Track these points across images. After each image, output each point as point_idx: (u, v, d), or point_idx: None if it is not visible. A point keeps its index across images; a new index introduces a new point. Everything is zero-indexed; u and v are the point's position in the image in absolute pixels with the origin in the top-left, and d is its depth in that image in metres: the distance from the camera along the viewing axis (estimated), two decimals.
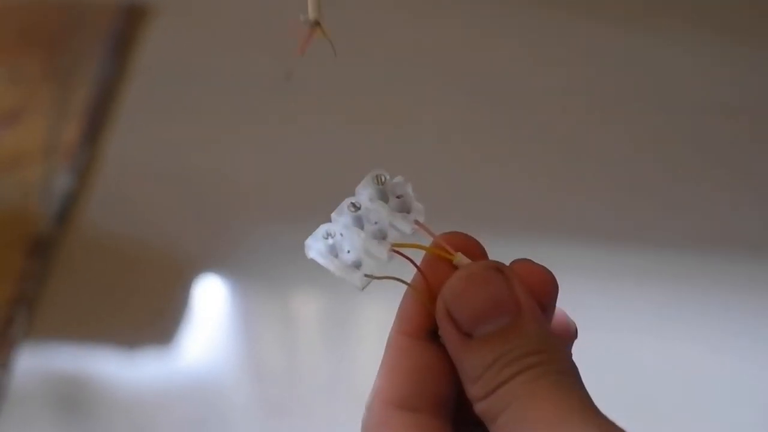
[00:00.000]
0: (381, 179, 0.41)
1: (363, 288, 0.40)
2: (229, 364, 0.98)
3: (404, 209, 0.41)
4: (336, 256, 0.40)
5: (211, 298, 1.03)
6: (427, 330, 0.40)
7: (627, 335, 0.97)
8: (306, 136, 1.16)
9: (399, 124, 1.16)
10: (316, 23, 0.41)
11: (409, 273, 0.40)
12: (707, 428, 0.91)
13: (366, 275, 0.40)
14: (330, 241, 0.40)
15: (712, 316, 1.01)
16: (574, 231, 1.07)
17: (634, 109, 1.18)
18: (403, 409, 0.38)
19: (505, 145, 1.15)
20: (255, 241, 1.06)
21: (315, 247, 0.41)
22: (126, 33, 1.24)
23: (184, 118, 1.17)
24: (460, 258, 0.40)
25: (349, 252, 0.40)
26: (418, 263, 0.40)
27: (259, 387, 0.98)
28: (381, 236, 0.40)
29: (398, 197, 0.41)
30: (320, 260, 0.41)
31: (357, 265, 0.40)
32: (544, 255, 1.13)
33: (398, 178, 0.41)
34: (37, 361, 0.97)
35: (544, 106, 1.18)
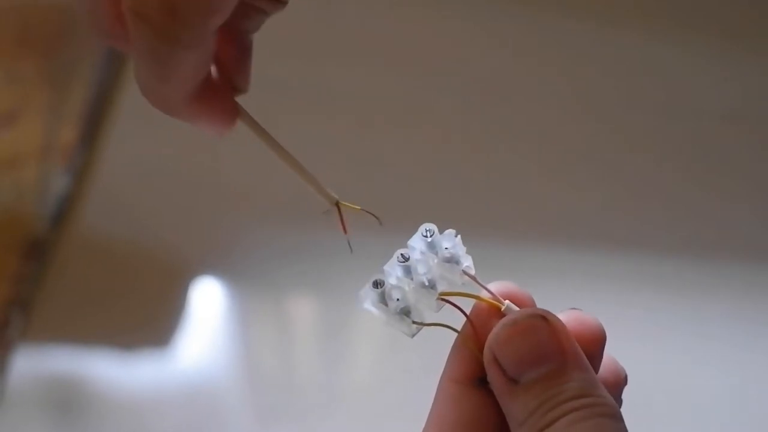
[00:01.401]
0: (429, 232, 0.43)
1: (413, 335, 0.42)
2: (225, 367, 0.98)
3: (453, 260, 0.43)
4: (386, 305, 0.43)
5: (207, 300, 1.03)
6: (476, 377, 0.41)
7: (623, 339, 0.97)
8: (304, 138, 1.15)
9: (398, 126, 1.16)
10: (337, 204, 0.44)
11: (458, 321, 0.42)
12: None
13: (415, 322, 0.42)
14: (380, 290, 0.43)
15: (710, 321, 1.00)
16: (571, 234, 1.07)
17: (633, 113, 1.18)
18: None
19: (503, 148, 1.15)
20: (252, 243, 1.06)
21: (367, 298, 0.43)
22: None
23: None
24: (508, 306, 0.41)
25: (398, 300, 0.42)
26: (467, 311, 0.42)
27: (255, 390, 0.98)
28: (430, 286, 0.42)
29: (447, 248, 0.43)
30: (372, 310, 0.43)
31: (406, 312, 0.42)
32: (541, 258, 1.13)
33: (448, 231, 0.43)
34: (32, 364, 0.97)
35: (543, 110, 1.18)
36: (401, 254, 0.43)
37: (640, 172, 1.12)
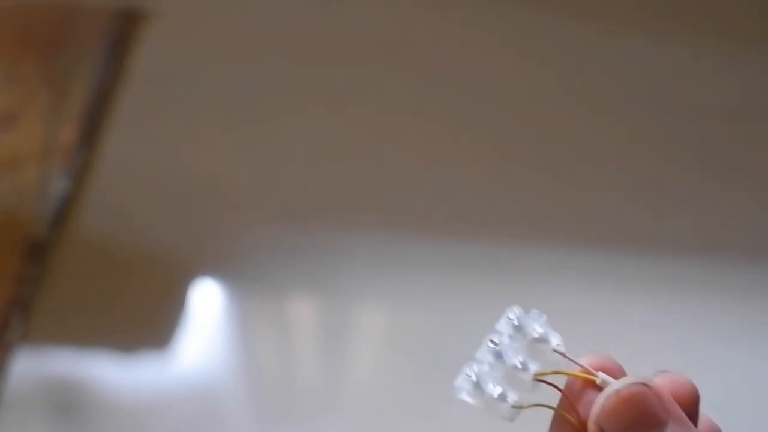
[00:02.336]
0: (516, 317, 0.44)
1: (513, 420, 0.43)
2: (225, 368, 0.98)
3: (542, 340, 0.44)
4: (482, 392, 0.43)
5: (207, 301, 1.03)
6: None
7: (623, 338, 0.97)
8: (303, 139, 1.15)
9: (398, 127, 1.16)
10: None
11: (554, 399, 0.43)
12: None
13: (514, 406, 0.43)
14: (474, 378, 0.43)
15: (711, 320, 1.00)
16: (570, 233, 1.07)
17: (632, 112, 1.18)
18: None
19: (503, 147, 1.15)
20: (252, 244, 1.06)
21: (462, 388, 0.43)
22: (123, 36, 1.24)
23: (180, 122, 1.17)
24: (603, 378, 0.42)
25: (494, 386, 0.43)
26: (562, 388, 0.43)
27: (255, 391, 0.98)
28: (523, 368, 0.43)
29: (535, 329, 0.44)
30: (469, 400, 0.43)
31: (503, 398, 0.43)
32: (541, 257, 1.13)
33: (534, 312, 0.44)
34: (32, 365, 0.96)
35: (542, 109, 1.18)
36: (491, 340, 0.44)
37: (638, 170, 1.12)
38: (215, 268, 1.05)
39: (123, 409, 0.94)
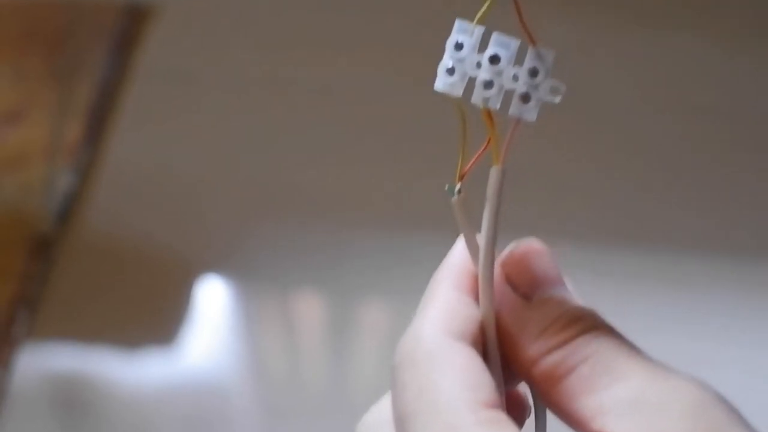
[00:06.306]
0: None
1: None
2: (230, 365, 0.98)
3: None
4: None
5: (213, 298, 1.03)
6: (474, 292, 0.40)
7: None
8: (308, 137, 1.15)
9: (401, 127, 1.16)
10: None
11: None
12: None
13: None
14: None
15: (711, 319, 1.00)
16: (572, 231, 1.07)
17: (632, 111, 1.18)
18: (462, 342, 0.38)
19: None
20: (257, 241, 1.06)
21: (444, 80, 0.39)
22: (129, 33, 1.24)
23: (186, 119, 1.17)
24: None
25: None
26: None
27: (261, 388, 0.98)
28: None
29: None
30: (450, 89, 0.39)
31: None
32: None
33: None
34: (38, 362, 0.97)
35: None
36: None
37: (640, 168, 1.12)
38: (221, 264, 1.05)
39: (128, 405, 0.94)
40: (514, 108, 0.39)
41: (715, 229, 1.07)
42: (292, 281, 1.04)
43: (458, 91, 0.39)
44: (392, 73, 1.21)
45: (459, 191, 0.41)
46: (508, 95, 0.39)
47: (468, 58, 0.38)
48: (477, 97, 0.39)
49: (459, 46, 0.39)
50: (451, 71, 0.39)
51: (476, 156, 0.39)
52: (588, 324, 0.39)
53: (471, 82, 0.39)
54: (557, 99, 0.39)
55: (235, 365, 0.98)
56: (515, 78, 0.38)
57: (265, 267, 1.05)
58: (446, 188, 0.40)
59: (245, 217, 1.09)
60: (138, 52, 1.23)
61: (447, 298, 0.39)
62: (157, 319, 1.01)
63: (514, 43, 0.38)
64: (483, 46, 0.39)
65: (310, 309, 1.04)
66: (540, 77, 0.38)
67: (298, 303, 1.05)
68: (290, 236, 1.06)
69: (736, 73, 1.22)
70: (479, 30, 0.38)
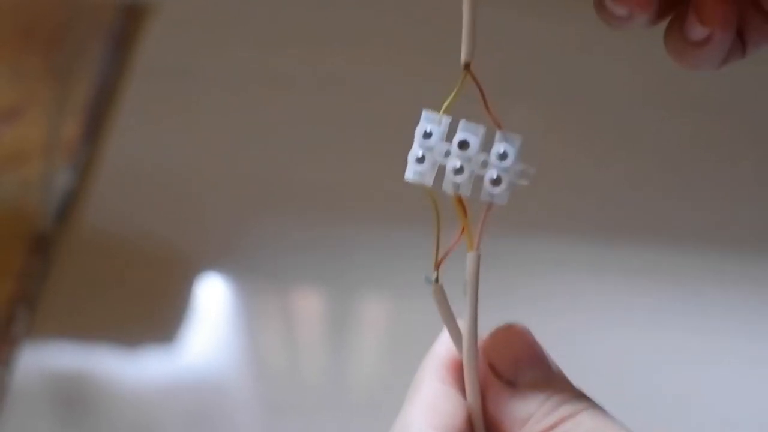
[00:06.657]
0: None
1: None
2: (231, 362, 0.98)
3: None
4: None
5: (213, 295, 1.03)
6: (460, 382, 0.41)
7: (622, 334, 0.97)
8: (308, 133, 1.15)
9: (401, 123, 1.16)
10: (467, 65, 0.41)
11: None
12: (706, 428, 0.91)
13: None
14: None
15: (712, 314, 1.00)
16: (574, 227, 1.07)
17: (629, 105, 1.18)
18: None
19: None
20: (256, 238, 1.06)
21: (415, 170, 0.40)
22: (127, 30, 1.24)
23: (184, 116, 1.17)
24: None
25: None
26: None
27: (261, 384, 0.98)
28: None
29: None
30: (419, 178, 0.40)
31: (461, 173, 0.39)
32: (537, 252, 1.13)
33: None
34: (38, 359, 0.97)
35: (543, 106, 1.18)
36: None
37: (641, 164, 1.12)
38: (220, 261, 1.05)
39: (129, 402, 0.94)
40: (486, 193, 0.39)
41: (716, 225, 1.08)
42: (291, 277, 1.04)
43: (429, 180, 0.40)
44: (391, 70, 1.21)
45: (437, 280, 0.41)
46: (477, 181, 0.39)
47: (437, 147, 0.40)
48: (447, 184, 0.39)
49: (428, 135, 0.40)
50: (421, 160, 0.39)
51: (451, 245, 0.40)
52: (573, 408, 0.39)
53: (441, 170, 0.39)
54: (527, 182, 0.39)
55: (235, 361, 0.98)
56: (484, 164, 0.39)
57: (265, 263, 1.05)
58: (424, 278, 0.41)
59: (244, 213, 1.09)
60: (136, 50, 1.23)
61: (432, 392, 0.40)
62: (157, 315, 1.01)
63: (482, 129, 0.39)
64: (450, 134, 0.40)
65: (309, 305, 1.04)
66: (509, 160, 0.39)
67: (298, 299, 1.05)
68: (290, 232, 1.06)
69: (736, 68, 1.22)
70: (446, 119, 0.39)
